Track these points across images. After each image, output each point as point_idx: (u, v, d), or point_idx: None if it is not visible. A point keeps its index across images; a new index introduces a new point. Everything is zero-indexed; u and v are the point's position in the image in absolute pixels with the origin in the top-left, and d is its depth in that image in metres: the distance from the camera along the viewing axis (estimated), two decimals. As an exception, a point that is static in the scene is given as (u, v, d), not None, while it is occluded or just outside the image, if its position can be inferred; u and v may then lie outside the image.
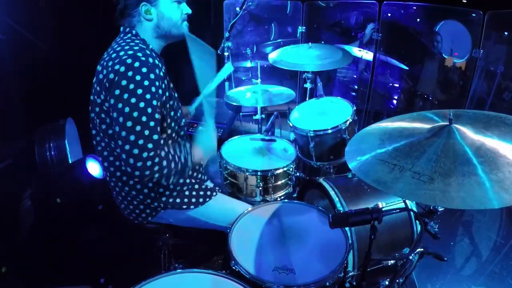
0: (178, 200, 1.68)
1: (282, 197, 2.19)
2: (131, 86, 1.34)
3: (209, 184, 1.85)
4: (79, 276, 2.14)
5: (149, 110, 1.37)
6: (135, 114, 1.35)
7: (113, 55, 1.41)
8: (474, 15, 2.88)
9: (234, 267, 1.41)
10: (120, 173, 1.61)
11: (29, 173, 2.35)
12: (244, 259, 1.45)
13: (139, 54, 1.38)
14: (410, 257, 1.33)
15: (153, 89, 1.38)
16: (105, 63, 1.42)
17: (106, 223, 2.32)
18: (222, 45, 2.86)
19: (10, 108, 2.37)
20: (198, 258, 2.17)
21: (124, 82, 1.34)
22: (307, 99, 2.74)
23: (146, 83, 1.36)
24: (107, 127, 1.50)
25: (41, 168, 2.39)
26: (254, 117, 2.81)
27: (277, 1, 4.07)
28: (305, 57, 2.57)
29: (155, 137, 1.40)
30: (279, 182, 2.16)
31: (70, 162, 2.45)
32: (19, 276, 2.06)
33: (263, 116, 2.79)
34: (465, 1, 2.98)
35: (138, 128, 1.35)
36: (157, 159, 1.39)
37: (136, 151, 1.35)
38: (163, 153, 1.43)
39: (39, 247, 2.18)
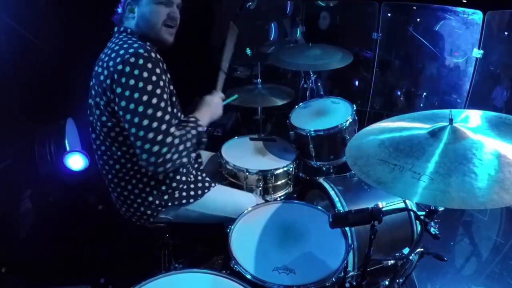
0: (177, 195, 1.68)
1: (282, 197, 2.19)
2: (140, 84, 1.33)
3: (207, 178, 1.84)
4: (79, 276, 2.14)
5: (162, 104, 1.37)
6: (150, 111, 1.34)
7: (113, 55, 1.39)
8: (474, 15, 2.89)
9: (234, 267, 1.41)
10: (122, 175, 1.59)
11: (29, 173, 2.35)
12: (244, 259, 1.44)
13: (141, 51, 1.36)
14: (410, 257, 1.33)
15: (161, 83, 1.38)
16: (105, 64, 1.40)
17: (106, 223, 2.32)
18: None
19: (10, 108, 2.37)
20: (198, 258, 2.17)
21: (132, 82, 1.32)
22: (307, 99, 2.74)
23: (154, 78, 1.35)
24: (109, 130, 1.48)
25: (41, 168, 2.38)
26: (254, 117, 2.80)
27: (277, 1, 4.07)
28: (305, 57, 2.57)
29: (172, 130, 1.40)
30: (279, 182, 2.16)
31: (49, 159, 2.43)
32: (19, 276, 2.06)
33: (263, 116, 2.80)
34: (465, 1, 2.98)
35: (155, 125, 1.35)
36: (174, 150, 1.40)
37: (156, 148, 1.36)
38: (176, 141, 1.44)
39: (39, 247, 2.18)
